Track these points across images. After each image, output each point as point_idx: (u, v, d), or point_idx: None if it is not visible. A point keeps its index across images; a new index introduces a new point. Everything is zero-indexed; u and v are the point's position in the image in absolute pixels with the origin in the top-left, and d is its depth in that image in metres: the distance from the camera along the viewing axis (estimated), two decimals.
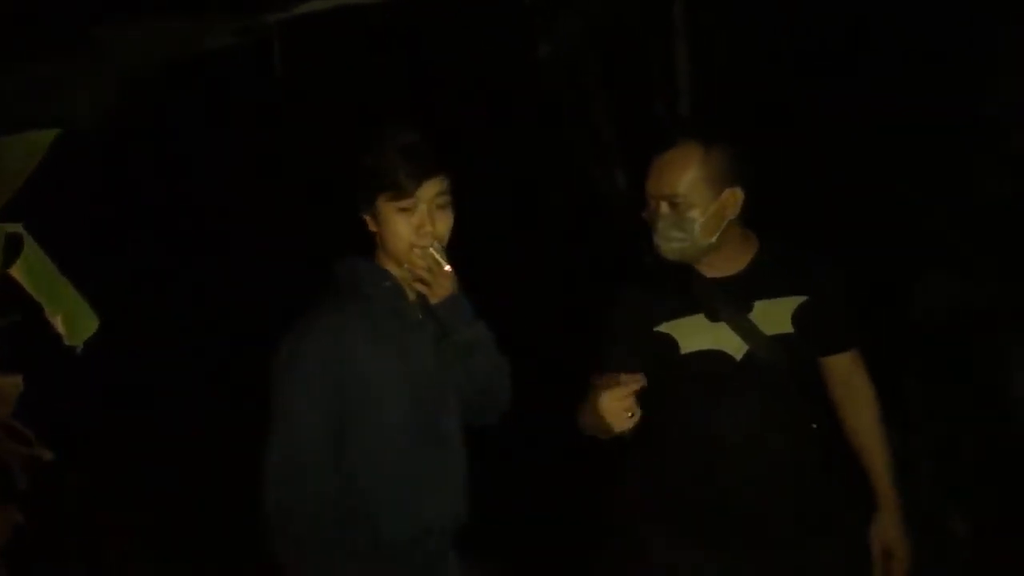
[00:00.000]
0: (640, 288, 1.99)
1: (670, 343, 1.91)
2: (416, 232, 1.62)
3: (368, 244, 1.71)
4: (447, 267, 1.64)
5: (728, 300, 1.90)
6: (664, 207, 1.87)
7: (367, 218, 1.66)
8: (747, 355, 1.89)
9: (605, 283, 2.07)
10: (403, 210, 1.61)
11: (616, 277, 2.06)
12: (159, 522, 3.09)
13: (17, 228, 1.17)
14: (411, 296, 1.69)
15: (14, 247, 1.18)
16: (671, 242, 1.89)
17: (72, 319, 1.26)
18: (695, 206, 1.85)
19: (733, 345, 1.90)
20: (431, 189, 1.62)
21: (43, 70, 2.27)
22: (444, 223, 1.65)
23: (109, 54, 2.33)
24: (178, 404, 3.39)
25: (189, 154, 3.79)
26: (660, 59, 3.82)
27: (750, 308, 1.90)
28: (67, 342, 1.28)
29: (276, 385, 1.61)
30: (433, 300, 1.66)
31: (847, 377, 2.03)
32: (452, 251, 1.68)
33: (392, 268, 1.68)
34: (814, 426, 1.99)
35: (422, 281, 1.65)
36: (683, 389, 1.93)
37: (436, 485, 1.68)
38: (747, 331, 1.89)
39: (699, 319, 1.91)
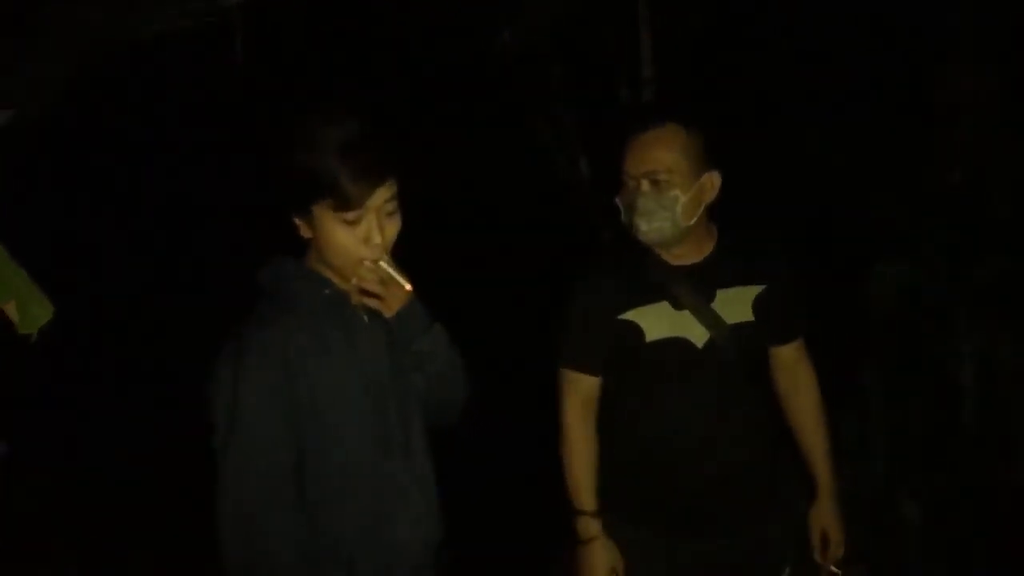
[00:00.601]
0: (600, 275, 1.97)
1: (635, 331, 1.91)
2: (363, 244, 1.41)
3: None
4: (406, 284, 1.46)
5: (692, 288, 1.92)
6: (646, 185, 1.84)
7: (299, 222, 1.43)
8: (708, 343, 1.92)
9: (568, 272, 2.06)
10: (347, 221, 1.39)
11: (579, 266, 2.05)
12: (134, 519, 3.05)
13: None
14: (354, 299, 1.50)
15: None
16: (652, 222, 1.85)
17: (25, 307, 1.22)
18: (677, 186, 1.84)
19: (696, 333, 1.92)
20: (380, 196, 1.39)
21: None
22: (392, 230, 1.43)
23: (56, 34, 2.27)
24: (150, 398, 3.34)
25: (147, 142, 3.71)
26: (624, 46, 3.83)
27: (712, 296, 1.92)
28: (20, 330, 1.25)
29: (218, 417, 1.40)
30: (388, 314, 1.49)
31: (793, 365, 2.06)
32: (410, 244, 1.51)
33: (327, 272, 1.48)
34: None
35: (372, 295, 1.47)
36: (646, 377, 1.94)
37: (408, 503, 1.51)
38: (710, 319, 1.91)
39: (663, 307, 1.91)
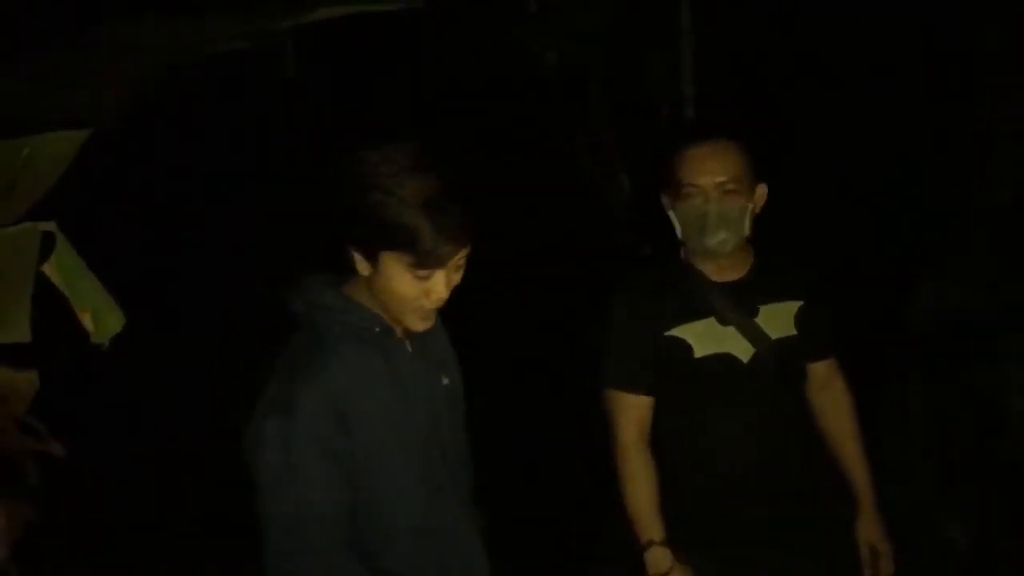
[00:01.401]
0: (642, 293, 1.98)
1: (683, 347, 1.92)
2: (427, 296, 1.38)
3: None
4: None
5: (736, 303, 1.93)
6: (717, 195, 1.84)
7: (358, 258, 1.39)
8: (754, 358, 1.93)
9: (608, 289, 2.07)
10: (419, 276, 1.36)
11: (619, 284, 2.06)
12: (169, 518, 3.11)
13: (50, 226, 1.19)
14: (399, 332, 1.47)
15: (46, 245, 1.21)
16: (721, 233, 1.86)
17: (99, 317, 1.28)
18: (744, 196, 1.86)
19: (741, 348, 1.93)
20: (457, 258, 1.37)
21: (50, 70, 2.28)
22: (456, 280, 1.41)
23: (114, 54, 2.34)
24: (191, 404, 3.41)
25: (201, 157, 3.81)
26: (664, 62, 3.86)
27: (756, 312, 1.94)
28: (93, 339, 1.30)
29: (266, 476, 1.36)
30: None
31: (828, 382, 2.07)
32: None
33: (372, 304, 1.44)
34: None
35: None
36: (693, 394, 1.95)
37: (458, 543, 1.50)
38: (754, 334, 1.92)
39: (710, 323, 1.93)
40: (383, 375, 1.43)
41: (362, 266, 1.40)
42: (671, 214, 1.92)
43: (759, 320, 1.93)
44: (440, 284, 1.38)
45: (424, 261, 1.34)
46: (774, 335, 1.93)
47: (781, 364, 1.93)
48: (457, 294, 1.45)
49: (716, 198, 1.84)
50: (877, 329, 3.44)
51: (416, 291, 1.38)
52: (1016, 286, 3.21)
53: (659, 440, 1.97)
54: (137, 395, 3.49)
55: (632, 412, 1.93)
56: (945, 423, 3.23)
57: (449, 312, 1.55)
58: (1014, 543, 2.91)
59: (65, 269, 1.22)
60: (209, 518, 2.98)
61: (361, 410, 1.39)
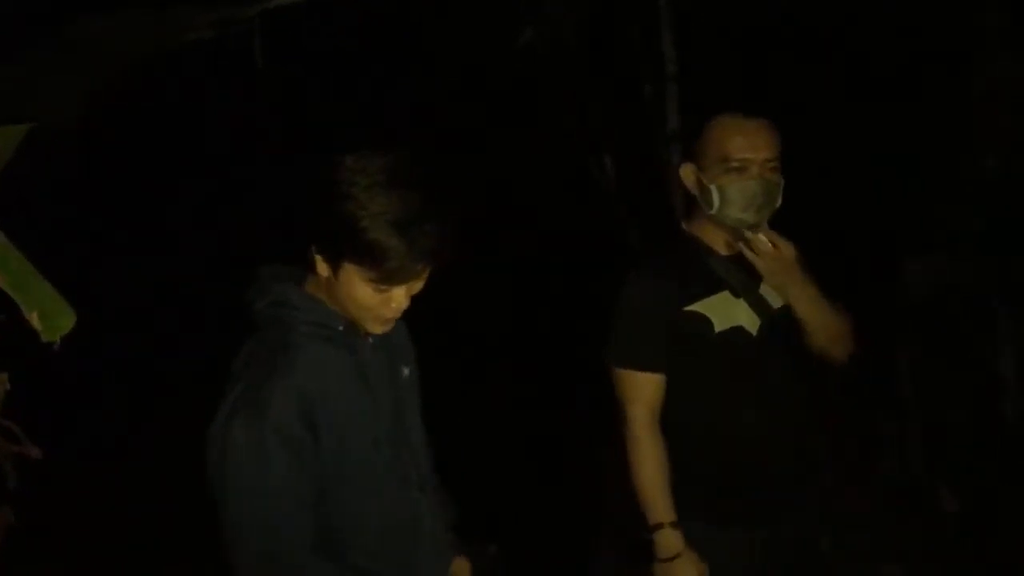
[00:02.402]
0: (653, 272, 1.94)
1: (704, 322, 1.90)
2: (386, 306, 1.37)
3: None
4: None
5: (746, 277, 1.92)
6: (764, 172, 1.83)
7: (319, 260, 1.36)
8: (760, 329, 1.92)
9: (595, 270, 2.04)
10: (379, 289, 1.34)
11: (606, 263, 2.04)
12: (151, 519, 3.10)
13: None
14: (361, 329, 1.45)
15: None
16: (763, 211, 1.85)
17: (48, 315, 1.25)
18: (779, 172, 1.87)
19: (750, 321, 1.92)
20: (421, 274, 1.36)
21: (20, 67, 2.25)
22: (415, 291, 1.39)
23: (82, 50, 2.31)
24: (164, 401, 3.39)
25: (167, 148, 3.78)
26: (646, 42, 3.81)
27: (758, 284, 1.93)
28: (43, 338, 1.27)
29: (229, 471, 1.33)
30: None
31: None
32: None
33: (332, 303, 1.42)
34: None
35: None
36: (710, 368, 1.92)
37: (423, 534, 1.50)
38: (761, 306, 1.92)
39: (725, 296, 1.91)
40: (349, 371, 1.42)
41: (322, 268, 1.37)
42: (711, 188, 1.85)
43: (762, 291, 1.93)
44: (401, 296, 1.37)
45: (386, 278, 1.32)
46: (776, 305, 1.92)
47: (785, 334, 1.93)
48: (442, 281, 1.42)
49: (764, 174, 1.83)
50: (868, 301, 3.42)
51: (375, 301, 1.36)
52: (1006, 255, 3.19)
53: (673, 418, 1.93)
54: (114, 396, 3.47)
55: (644, 391, 1.89)
56: (937, 394, 3.22)
57: (432, 302, 1.52)
58: (1007, 511, 2.90)
59: (8, 269, 1.19)
60: (188, 520, 2.97)
61: (329, 407, 1.38)
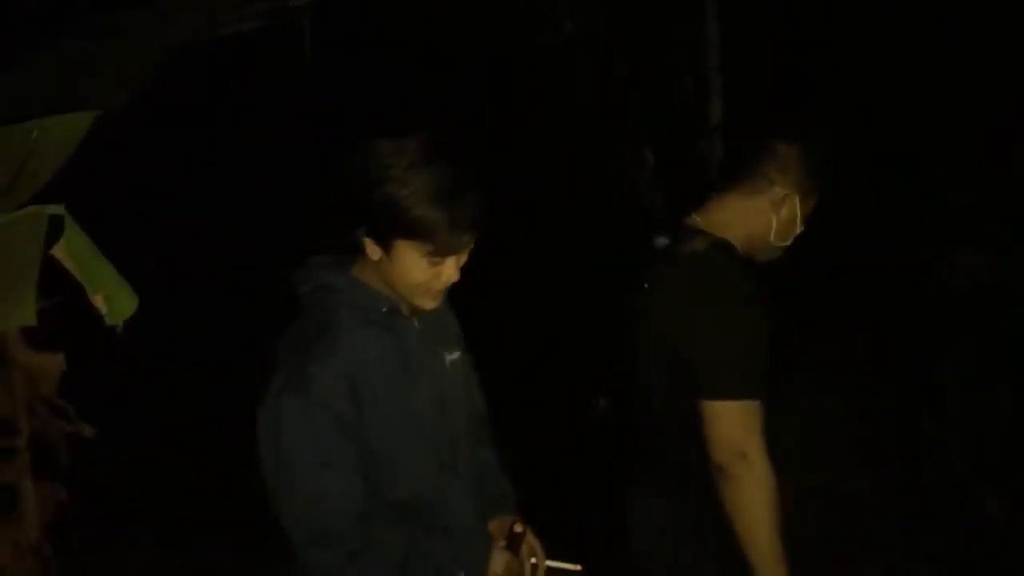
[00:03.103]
0: (752, 296, 1.73)
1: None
2: (438, 279, 1.41)
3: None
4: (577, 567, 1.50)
5: None
6: None
7: (369, 244, 1.41)
8: None
9: (632, 269, 2.00)
10: (433, 263, 1.39)
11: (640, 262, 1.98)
12: (196, 499, 3.15)
13: (59, 209, 1.18)
14: (405, 309, 1.49)
15: (56, 228, 1.20)
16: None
17: (112, 299, 1.27)
18: None
19: None
20: (469, 244, 1.41)
21: (65, 56, 2.29)
22: (463, 263, 1.44)
23: (129, 38, 2.35)
24: (212, 388, 3.44)
25: (216, 139, 3.82)
26: (689, 38, 3.78)
27: None
28: (107, 321, 1.29)
29: (281, 446, 1.38)
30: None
31: None
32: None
33: (380, 285, 1.46)
34: None
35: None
36: None
37: (459, 518, 1.52)
38: None
39: None
40: (391, 354, 1.45)
41: (373, 251, 1.41)
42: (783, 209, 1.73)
43: None
44: (452, 267, 1.41)
45: (440, 250, 1.37)
46: None
47: None
48: (475, 281, 1.44)
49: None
50: (911, 300, 3.37)
51: (428, 275, 1.41)
52: None
53: None
54: (163, 379, 3.53)
55: (760, 424, 1.65)
56: (978, 395, 3.17)
57: (465, 301, 1.55)
58: None
59: (75, 252, 1.21)
60: (236, 500, 3.02)
61: (371, 388, 1.41)
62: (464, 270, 1.44)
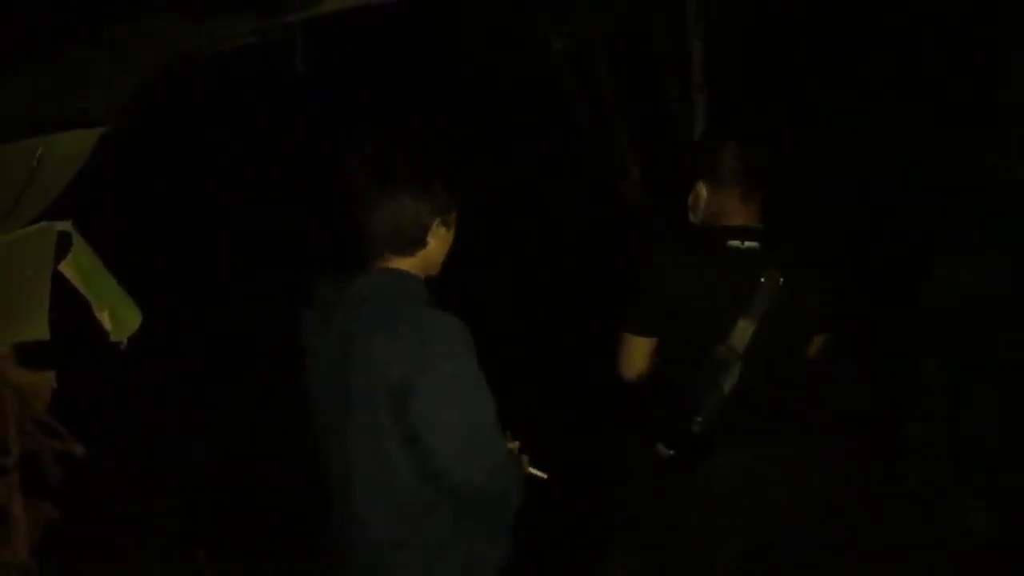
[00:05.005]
0: None
1: None
2: None
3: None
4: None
5: None
6: None
7: (440, 230, 1.65)
8: None
9: (617, 277, 2.06)
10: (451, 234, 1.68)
11: (628, 270, 2.06)
12: (186, 514, 3.13)
13: (66, 226, 1.19)
14: None
15: (63, 244, 1.20)
16: None
17: (117, 315, 1.27)
18: None
19: None
20: None
21: (64, 69, 2.29)
22: None
23: (128, 53, 2.35)
24: (203, 399, 3.42)
25: (209, 153, 3.82)
26: (674, 49, 3.82)
27: None
28: (112, 337, 1.29)
29: (464, 397, 1.57)
30: None
31: None
32: (465, 249, 1.72)
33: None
34: None
35: None
36: None
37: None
38: None
39: None
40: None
41: (433, 237, 1.63)
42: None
43: None
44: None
45: (456, 220, 1.67)
46: None
47: None
48: (466, 287, 1.54)
49: None
50: (896, 307, 3.42)
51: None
52: None
53: None
54: (154, 393, 3.51)
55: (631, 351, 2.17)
56: (964, 401, 3.21)
57: (460, 305, 1.63)
58: None
59: (82, 268, 1.21)
60: (228, 516, 3.00)
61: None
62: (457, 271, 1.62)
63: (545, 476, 1.75)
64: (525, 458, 1.76)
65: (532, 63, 3.78)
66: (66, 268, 1.20)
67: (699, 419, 1.98)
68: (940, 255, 3.33)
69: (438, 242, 1.65)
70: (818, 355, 2.12)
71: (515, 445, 1.75)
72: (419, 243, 1.63)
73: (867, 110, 3.74)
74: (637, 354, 2.06)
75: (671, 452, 2.05)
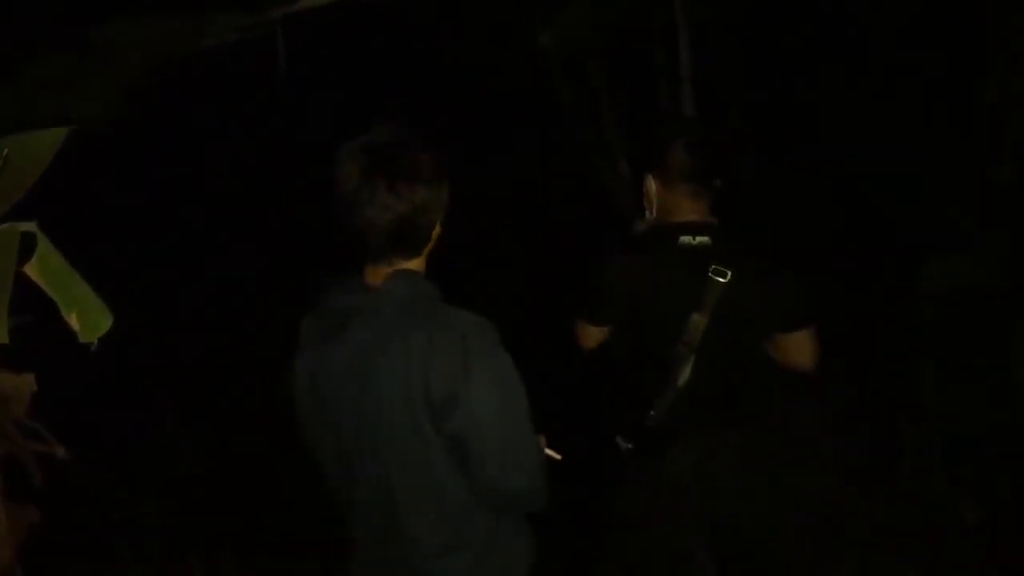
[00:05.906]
0: None
1: None
2: None
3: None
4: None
5: None
6: None
7: (438, 226, 1.57)
8: None
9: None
10: None
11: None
12: (171, 517, 3.12)
13: (31, 227, 1.17)
14: None
15: (28, 246, 1.19)
16: None
17: (86, 316, 1.26)
18: None
19: None
20: None
21: (48, 71, 2.28)
22: None
23: (112, 53, 2.34)
24: (189, 400, 3.41)
25: (195, 149, 3.80)
26: (663, 48, 3.81)
27: None
28: (81, 339, 1.28)
29: (508, 389, 1.52)
30: None
31: None
32: (453, 246, 1.68)
33: None
34: None
35: None
36: None
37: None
38: None
39: None
40: None
41: (437, 234, 1.55)
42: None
43: None
44: None
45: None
46: None
47: None
48: (455, 280, 1.49)
49: None
50: (887, 305, 3.41)
51: None
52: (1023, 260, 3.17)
53: None
54: (138, 395, 3.49)
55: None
56: (955, 398, 3.21)
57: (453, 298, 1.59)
58: None
59: (48, 270, 1.19)
60: (214, 519, 2.99)
61: None
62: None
63: (559, 457, 1.72)
64: (542, 438, 1.68)
65: (519, 60, 3.77)
66: (31, 270, 1.18)
67: (652, 413, 2.04)
68: (928, 254, 3.32)
69: (434, 241, 1.56)
70: (817, 354, 2.11)
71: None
72: (427, 240, 1.53)
73: (854, 108, 3.73)
74: (590, 336, 2.17)
75: (629, 445, 2.11)
